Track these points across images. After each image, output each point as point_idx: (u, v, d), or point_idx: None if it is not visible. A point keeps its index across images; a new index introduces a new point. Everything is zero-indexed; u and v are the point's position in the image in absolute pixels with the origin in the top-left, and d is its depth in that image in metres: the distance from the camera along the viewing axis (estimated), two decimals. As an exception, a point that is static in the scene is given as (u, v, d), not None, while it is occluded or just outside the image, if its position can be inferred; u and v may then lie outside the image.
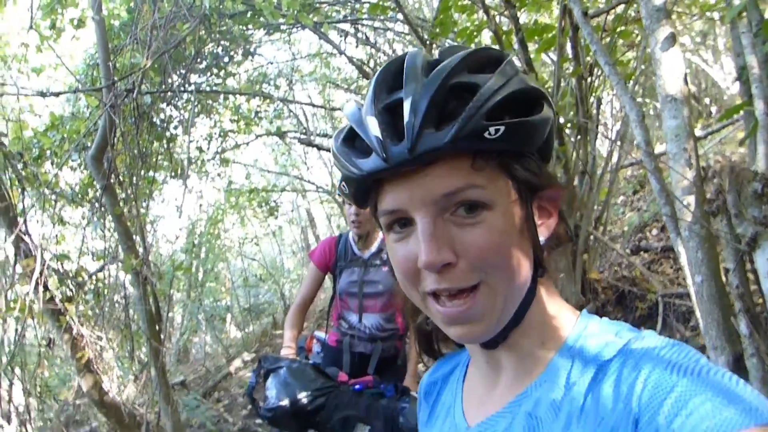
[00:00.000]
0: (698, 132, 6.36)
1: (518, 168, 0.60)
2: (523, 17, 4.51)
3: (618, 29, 3.49)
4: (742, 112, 2.08)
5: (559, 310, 0.66)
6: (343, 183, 0.64)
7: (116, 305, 6.10)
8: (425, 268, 0.58)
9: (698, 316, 1.88)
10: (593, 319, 0.65)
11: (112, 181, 4.64)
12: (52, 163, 5.55)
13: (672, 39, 1.86)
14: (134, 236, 4.79)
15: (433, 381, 0.85)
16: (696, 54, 7.66)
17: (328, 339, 2.86)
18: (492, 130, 0.56)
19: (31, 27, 3.93)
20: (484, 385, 0.70)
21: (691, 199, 1.78)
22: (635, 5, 3.33)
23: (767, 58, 1.77)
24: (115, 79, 4.17)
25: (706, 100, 8.49)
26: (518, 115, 0.58)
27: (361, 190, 0.64)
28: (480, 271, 0.58)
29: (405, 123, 0.57)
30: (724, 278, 1.79)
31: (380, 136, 0.58)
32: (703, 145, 5.85)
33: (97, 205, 5.57)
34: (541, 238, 0.63)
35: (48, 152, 5.41)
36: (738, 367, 1.68)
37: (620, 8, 3.49)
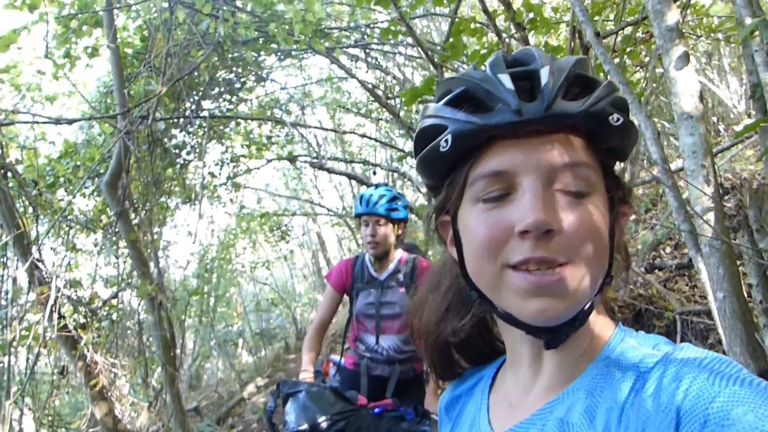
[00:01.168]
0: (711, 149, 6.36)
1: (614, 170, 0.64)
2: (533, 39, 4.56)
3: (627, 50, 3.52)
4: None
5: (602, 318, 0.66)
6: (447, 139, 0.61)
7: (129, 331, 6.11)
8: (531, 228, 0.56)
9: (720, 332, 1.86)
10: (630, 331, 0.65)
11: (126, 207, 4.69)
12: (65, 191, 5.62)
13: (686, 58, 1.88)
14: (148, 262, 4.82)
15: (456, 395, 0.83)
16: (702, 74, 7.69)
17: (345, 362, 2.84)
18: (615, 117, 0.60)
19: (45, 55, 4.01)
20: (518, 391, 0.69)
21: (710, 216, 1.77)
22: (642, 26, 3.36)
23: (781, 74, 1.78)
24: (130, 106, 4.24)
25: (714, 119, 8.50)
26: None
27: (465, 150, 0.62)
28: (572, 251, 0.57)
29: (543, 85, 0.58)
30: (746, 294, 1.78)
31: (515, 91, 0.59)
32: (715, 163, 5.84)
33: (110, 231, 5.62)
34: None
35: (62, 179, 5.49)
36: (765, 384, 1.65)
37: (628, 29, 3.53)
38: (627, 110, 0.63)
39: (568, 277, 0.56)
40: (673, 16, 1.91)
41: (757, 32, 1.87)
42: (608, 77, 2.56)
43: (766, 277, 1.67)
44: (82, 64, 4.88)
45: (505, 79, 0.60)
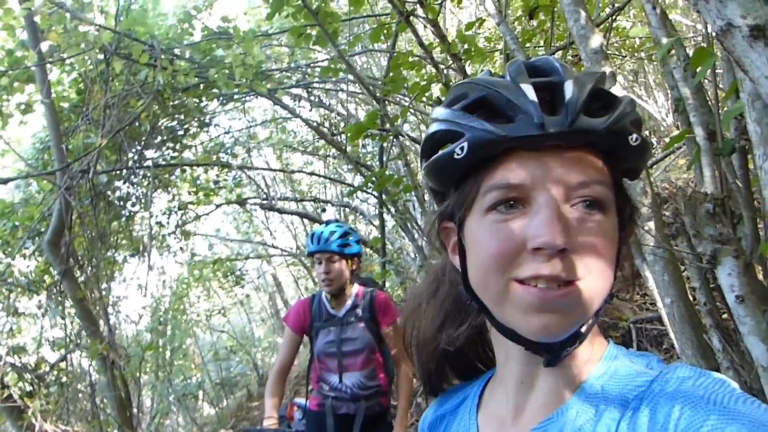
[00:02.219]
0: (644, 162, 6.66)
1: (626, 190, 0.63)
2: (470, 69, 4.71)
3: (558, 73, 3.68)
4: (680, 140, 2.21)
5: (596, 337, 0.65)
6: (463, 146, 0.59)
7: (81, 395, 5.82)
8: (546, 246, 0.55)
9: (672, 337, 1.92)
10: (621, 349, 0.65)
11: (71, 264, 4.52)
12: (3, 253, 5.38)
13: (612, 78, 1.98)
14: (98, 320, 4.63)
15: (439, 415, 0.81)
16: (630, 91, 8.11)
17: (310, 403, 2.78)
18: (635, 136, 0.59)
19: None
20: (510, 410, 0.67)
21: (651, 225, 1.85)
22: (571, 50, 3.54)
23: (699, 88, 1.91)
24: (69, 161, 4.13)
25: (645, 132, 8.94)
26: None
27: (480, 159, 0.60)
28: (582, 269, 0.56)
29: (567, 99, 0.57)
30: (691, 297, 1.85)
31: (538, 103, 0.57)
32: (651, 174, 6.12)
33: (55, 291, 5.39)
34: None
35: (-1, 241, 5.26)
36: (717, 382, 1.72)
37: (558, 54, 3.70)
38: (642, 128, 0.62)
39: (574, 294, 0.56)
40: (596, 39, 2.02)
41: (673, 51, 2.00)
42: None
43: (706, 280, 1.75)
44: (15, 122, 4.74)
45: (529, 90, 0.58)
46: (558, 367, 0.62)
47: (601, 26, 3.65)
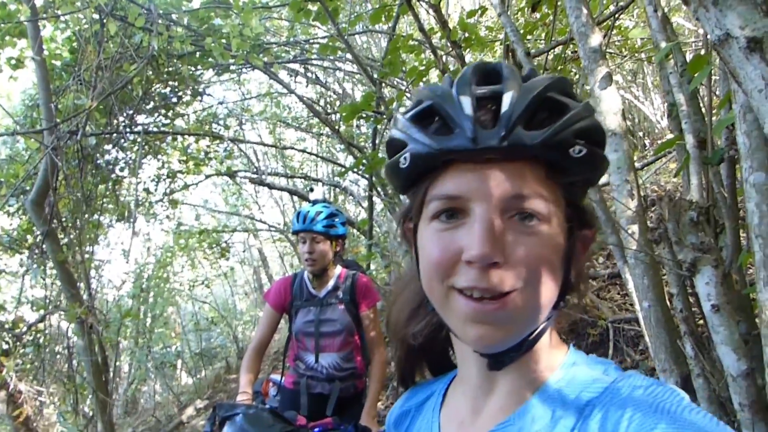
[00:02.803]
0: (635, 163, 6.68)
1: (576, 195, 0.62)
2: (469, 56, 4.68)
3: (558, 68, 3.66)
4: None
5: (555, 342, 0.66)
6: (405, 157, 0.61)
7: (58, 357, 5.81)
8: (476, 260, 0.55)
9: (647, 340, 1.95)
10: (581, 354, 0.66)
11: (54, 225, 4.47)
12: (-13, 209, 5.32)
13: (609, 78, 1.97)
14: (78, 283, 4.60)
15: (405, 410, 0.82)
16: (628, 91, 8.09)
17: (285, 381, 2.79)
18: (577, 148, 0.58)
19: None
20: (470, 411, 0.69)
21: (635, 228, 1.86)
22: (572, 46, 3.52)
23: (693, 95, 1.90)
24: (58, 120, 4.07)
25: (640, 134, 8.94)
26: (596, 146, 0.60)
27: (422, 169, 0.61)
28: (519, 281, 0.57)
29: (502, 113, 0.57)
30: (669, 303, 1.87)
31: (473, 118, 0.57)
32: (640, 176, 6.14)
33: (37, 251, 5.35)
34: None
35: (-17, 197, 5.19)
36: (686, 387, 1.74)
37: (559, 48, 3.68)
38: (596, 137, 0.61)
39: (510, 307, 0.57)
40: (596, 38, 2.01)
41: (671, 55, 1.99)
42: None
43: (684, 287, 1.76)
44: (5, 76, 4.65)
45: (466, 103, 0.58)
46: (515, 370, 0.63)
47: (603, 24, 3.64)
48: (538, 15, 4.00)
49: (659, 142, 7.88)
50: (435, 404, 0.76)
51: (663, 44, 1.98)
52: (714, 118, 1.87)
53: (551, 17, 3.59)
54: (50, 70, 4.66)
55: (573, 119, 0.58)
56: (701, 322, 1.79)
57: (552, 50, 3.71)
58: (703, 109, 1.95)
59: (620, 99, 2.03)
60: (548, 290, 0.59)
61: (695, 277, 1.60)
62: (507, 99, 0.57)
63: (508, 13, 2.86)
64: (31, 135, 4.44)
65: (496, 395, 0.65)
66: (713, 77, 2.13)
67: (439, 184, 0.60)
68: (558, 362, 0.64)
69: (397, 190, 0.69)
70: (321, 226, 2.57)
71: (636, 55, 5.67)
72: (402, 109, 0.67)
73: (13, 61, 4.53)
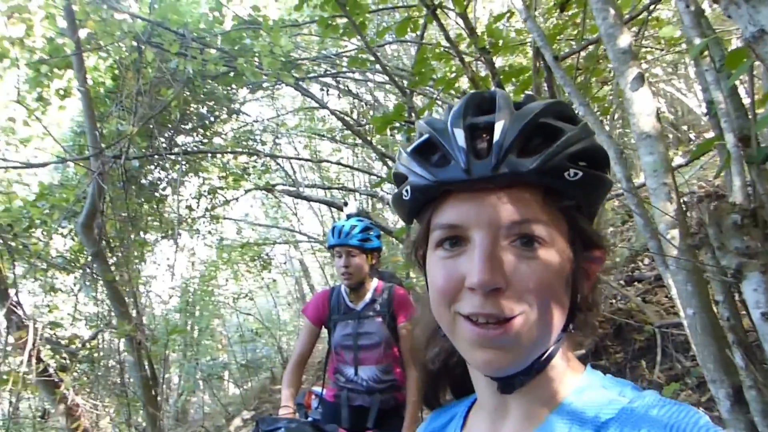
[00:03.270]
0: (679, 159, 6.47)
1: (578, 218, 0.62)
2: (499, 61, 4.64)
3: (591, 67, 3.59)
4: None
5: (572, 364, 0.66)
6: (407, 189, 0.64)
7: (111, 371, 6.00)
8: (477, 287, 0.57)
9: (694, 348, 1.88)
10: (597, 375, 0.66)
11: (102, 246, 4.64)
12: (42, 233, 5.55)
13: (640, 79, 1.92)
14: (127, 300, 4.76)
15: None
16: (669, 84, 7.85)
17: (326, 394, 2.81)
18: (572, 172, 0.59)
19: (17, 101, 4.00)
20: None
21: (675, 233, 1.80)
22: (603, 45, 3.44)
23: (732, 92, 1.83)
24: (103, 146, 4.22)
25: (684, 127, 8.66)
26: (594, 168, 0.61)
27: (423, 200, 0.64)
28: (523, 305, 0.57)
29: (494, 142, 0.58)
30: (715, 310, 1.80)
31: (466, 149, 0.59)
32: (684, 173, 5.95)
33: (88, 270, 5.55)
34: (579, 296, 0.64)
35: (37, 222, 5.42)
36: (738, 399, 1.66)
37: (591, 47, 3.60)
38: (595, 159, 0.62)
39: (514, 331, 0.57)
40: (624, 39, 1.96)
41: (707, 52, 1.92)
42: (570, 98, 2.61)
43: (731, 294, 1.69)
44: (54, 107, 4.86)
45: (459, 135, 0.60)
46: (528, 393, 0.64)
47: (638, 17, 3.54)
48: (568, 13, 3.93)
49: (704, 135, 7.62)
50: (456, 427, 0.77)
51: (697, 40, 1.91)
52: (758, 114, 1.79)
53: (581, 16, 3.52)
54: (94, 98, 4.84)
55: (566, 143, 0.59)
56: (751, 330, 1.72)
57: (584, 49, 3.64)
58: (745, 106, 1.88)
59: (657, 95, 1.97)
60: (553, 314, 0.59)
61: (742, 283, 1.54)
62: (498, 128, 0.59)
63: (537, 13, 2.83)
64: (79, 161, 4.61)
65: (511, 419, 0.66)
66: (754, 72, 2.04)
67: (440, 213, 0.62)
68: (573, 384, 0.64)
69: (403, 220, 0.71)
70: (356, 240, 2.59)
71: (674, 47, 5.50)
72: (407, 145, 0.69)
73: (61, 92, 4.74)
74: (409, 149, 0.66)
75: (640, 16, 3.54)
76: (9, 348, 4.32)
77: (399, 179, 0.67)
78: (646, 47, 4.97)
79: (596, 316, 0.69)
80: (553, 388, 0.63)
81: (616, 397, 0.60)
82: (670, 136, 8.22)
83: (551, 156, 0.58)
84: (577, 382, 0.64)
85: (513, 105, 0.62)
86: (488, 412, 0.69)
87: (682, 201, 1.90)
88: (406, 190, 0.64)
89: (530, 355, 0.60)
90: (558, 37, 3.98)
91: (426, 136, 0.64)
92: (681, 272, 1.79)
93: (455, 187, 0.60)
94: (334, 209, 9.30)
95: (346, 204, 7.16)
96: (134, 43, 4.31)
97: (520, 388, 0.63)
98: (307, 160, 8.47)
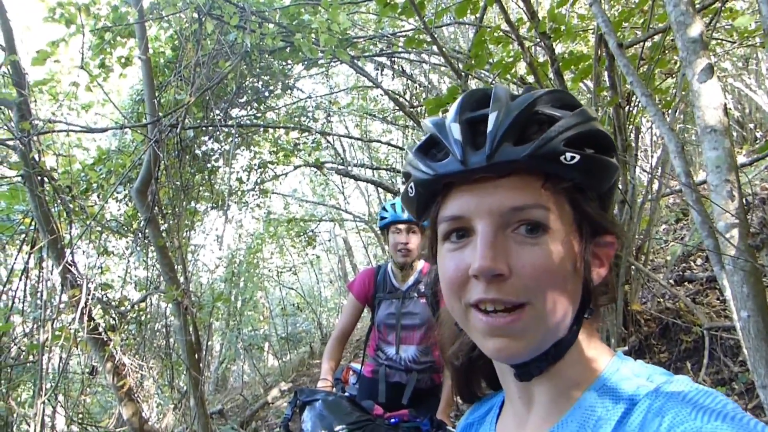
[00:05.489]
0: (743, 158, 6.19)
1: (583, 203, 0.63)
2: (559, 47, 4.52)
3: (655, 58, 3.45)
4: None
5: (596, 350, 0.66)
6: (411, 186, 0.67)
7: (157, 334, 6.23)
8: (479, 273, 0.58)
9: (746, 352, 1.81)
10: (627, 361, 0.65)
11: (155, 212, 4.79)
12: (98, 196, 5.77)
13: (710, 70, 1.84)
14: (176, 266, 4.91)
15: (469, 423, 0.84)
16: (738, 79, 7.49)
17: (364, 369, 2.85)
18: (568, 156, 0.59)
19: (81, 66, 4.13)
20: (515, 422, 0.70)
21: (734, 232, 1.73)
22: (671, 34, 3.30)
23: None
24: (160, 115, 4.34)
25: (751, 125, 8.27)
26: (595, 152, 0.62)
27: (427, 195, 0.66)
28: (529, 292, 0.58)
29: (487, 132, 0.60)
30: (772, 314, 1.73)
31: (461, 141, 0.61)
32: (749, 172, 5.68)
33: (140, 235, 5.74)
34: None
35: (94, 185, 5.64)
36: (789, 407, 1.60)
37: (657, 37, 3.46)
38: (597, 142, 0.62)
39: (523, 319, 0.58)
40: (696, 28, 1.88)
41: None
42: (632, 88, 2.52)
43: (790, 298, 1.62)
44: (115, 74, 5.02)
45: (455, 129, 0.62)
46: (549, 380, 0.64)
47: (711, 6, 3.38)
48: (635, 1, 3.78)
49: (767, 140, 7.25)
50: (492, 417, 0.78)
51: (775, 31, 1.82)
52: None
53: (650, 3, 3.38)
54: (154, 67, 4.97)
55: (560, 129, 0.60)
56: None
57: (649, 39, 3.50)
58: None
59: (725, 90, 1.89)
60: (561, 300, 0.59)
61: (803, 287, 1.47)
62: (492, 119, 0.61)
63: (600, 1, 2.73)
64: (137, 128, 4.76)
65: (536, 406, 0.66)
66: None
67: (444, 207, 0.64)
68: (600, 370, 0.64)
69: (413, 217, 0.74)
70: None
71: (747, 40, 5.23)
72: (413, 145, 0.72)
73: (123, 60, 4.88)
74: (414, 148, 0.68)
75: (713, 6, 3.38)
76: (62, 305, 4.52)
77: (406, 178, 0.70)
78: (717, 39, 4.74)
79: (611, 301, 0.69)
80: (577, 374, 0.64)
81: (645, 382, 0.59)
82: (735, 134, 7.87)
83: (545, 141, 0.59)
84: (604, 368, 0.64)
85: (510, 96, 0.63)
86: (514, 401, 0.70)
87: (744, 200, 1.82)
88: (411, 187, 0.67)
89: (542, 342, 0.60)
90: (623, 25, 3.84)
91: (428, 133, 0.67)
92: (738, 273, 1.73)
93: (455, 179, 0.62)
94: (380, 190, 9.32)
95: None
96: (195, 15, 4.39)
97: (539, 376, 0.64)
98: (357, 139, 8.50)
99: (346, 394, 2.86)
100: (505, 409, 0.76)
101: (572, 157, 0.59)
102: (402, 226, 2.62)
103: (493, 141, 0.59)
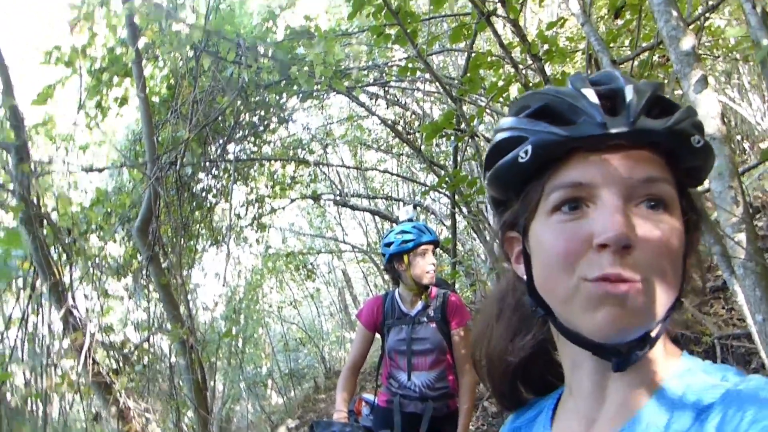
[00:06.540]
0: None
1: (692, 191, 0.63)
2: (549, 69, 4.60)
3: (644, 74, 3.53)
4: None
5: (670, 346, 0.65)
6: (527, 149, 0.61)
7: (161, 376, 6.14)
8: (611, 242, 0.55)
9: (762, 356, 1.81)
10: (696, 360, 0.64)
11: (156, 251, 4.78)
12: (98, 237, 5.75)
13: (704, 81, 1.89)
14: (179, 305, 4.88)
15: (516, 427, 0.80)
16: (722, 93, 7.63)
17: (378, 399, 2.81)
18: (697, 138, 0.60)
19: (80, 109, 4.17)
20: (582, 422, 0.67)
21: (741, 237, 1.75)
22: (658, 51, 3.38)
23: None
24: (159, 153, 4.38)
25: (738, 137, 8.39)
26: None
27: (545, 160, 0.61)
28: (648, 268, 0.56)
29: (627, 101, 0.59)
30: (786, 316, 1.73)
31: (600, 105, 0.59)
32: (742, 182, 5.75)
33: (141, 275, 5.71)
34: None
35: (94, 226, 5.62)
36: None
37: (644, 54, 3.55)
38: (704, 134, 0.62)
39: (640, 291, 0.55)
40: (688, 41, 1.93)
41: (775, 53, 1.88)
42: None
43: (804, 297, 1.63)
44: (112, 114, 5.06)
45: (590, 93, 0.60)
46: (628, 376, 0.61)
47: (692, 26, 3.47)
48: (621, 22, 3.88)
49: (760, 144, 7.35)
50: (545, 420, 0.75)
51: (765, 41, 1.87)
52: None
53: (635, 23, 3.47)
54: (150, 106, 5.02)
55: (686, 114, 0.60)
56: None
57: (638, 56, 3.59)
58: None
59: (717, 102, 1.93)
60: (672, 283, 0.58)
61: (816, 287, 1.49)
62: (629, 90, 0.59)
63: (590, 21, 2.80)
64: (136, 167, 4.79)
65: (608, 404, 0.63)
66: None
67: (561, 174, 0.60)
68: (672, 369, 0.62)
69: (503, 196, 0.69)
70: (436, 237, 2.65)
71: (730, 54, 5.36)
72: (507, 112, 0.69)
73: (119, 100, 4.93)
74: (522, 115, 0.65)
75: (695, 24, 3.47)
76: (64, 350, 4.46)
77: (507, 146, 0.65)
78: (701, 55, 4.86)
79: (701, 295, 0.67)
80: (653, 372, 0.61)
81: (719, 382, 0.57)
82: (725, 146, 7.96)
83: (678, 121, 0.59)
84: (675, 367, 0.62)
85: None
86: (583, 400, 0.66)
87: (748, 204, 1.85)
88: (525, 151, 0.62)
89: (650, 322, 0.57)
90: (611, 45, 3.93)
91: (542, 101, 0.63)
92: (749, 277, 1.74)
93: (585, 144, 0.59)
94: (377, 219, 9.35)
95: (404, 204, 7.18)
96: (191, 53, 4.45)
97: (626, 370, 0.60)
98: (353, 168, 8.56)
99: (361, 425, 2.82)
100: (565, 409, 0.72)
101: (699, 141, 0.60)
102: (428, 247, 2.62)
103: (636, 109, 0.58)
